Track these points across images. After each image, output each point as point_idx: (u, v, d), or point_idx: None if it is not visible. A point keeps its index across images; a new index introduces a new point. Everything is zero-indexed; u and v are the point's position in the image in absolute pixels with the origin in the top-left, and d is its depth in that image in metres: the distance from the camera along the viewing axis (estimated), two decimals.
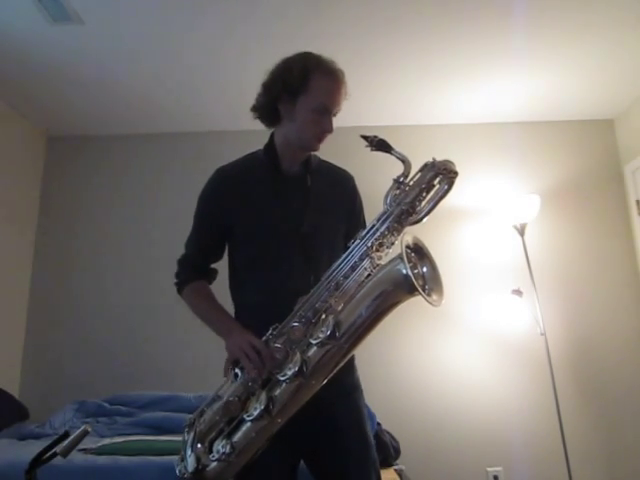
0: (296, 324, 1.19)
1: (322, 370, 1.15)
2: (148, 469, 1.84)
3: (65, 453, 1.24)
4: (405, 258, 1.10)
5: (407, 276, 1.10)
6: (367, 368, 2.89)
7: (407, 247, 1.17)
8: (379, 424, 2.57)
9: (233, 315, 1.39)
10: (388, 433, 2.60)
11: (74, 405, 2.68)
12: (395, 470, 2.40)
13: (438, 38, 2.63)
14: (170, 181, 3.40)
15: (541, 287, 3.01)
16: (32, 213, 3.40)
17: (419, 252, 1.22)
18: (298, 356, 1.14)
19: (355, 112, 3.15)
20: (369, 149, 1.30)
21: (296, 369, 1.13)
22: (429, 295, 1.15)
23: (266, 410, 1.13)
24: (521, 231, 3.06)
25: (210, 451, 1.19)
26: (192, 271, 1.45)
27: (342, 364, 1.18)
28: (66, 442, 1.24)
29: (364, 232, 1.24)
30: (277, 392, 1.15)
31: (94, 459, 1.90)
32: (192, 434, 1.23)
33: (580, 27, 2.57)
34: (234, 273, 1.42)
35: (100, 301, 3.26)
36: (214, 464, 1.17)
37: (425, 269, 1.21)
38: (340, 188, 1.47)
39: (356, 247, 1.23)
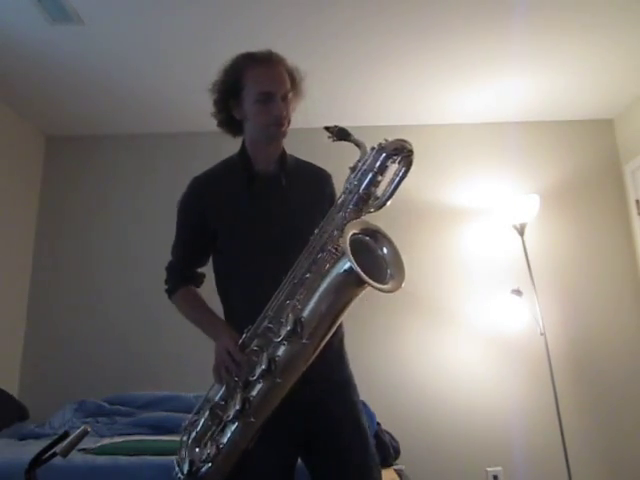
0: (269, 324, 1.20)
1: (291, 368, 1.16)
2: (148, 469, 1.84)
3: (65, 453, 1.24)
4: (349, 252, 1.07)
5: (353, 270, 1.08)
6: (367, 368, 2.91)
7: (360, 233, 1.15)
8: (379, 424, 2.57)
9: (222, 317, 1.41)
10: (388, 433, 2.59)
11: (74, 405, 2.68)
12: (395, 470, 2.40)
13: (438, 38, 2.63)
14: (170, 181, 3.39)
15: (541, 287, 3.01)
16: (31, 213, 3.39)
17: (374, 236, 1.19)
18: (265, 356, 1.16)
19: (356, 112, 3.16)
20: (331, 140, 1.31)
21: (263, 368, 1.15)
22: (387, 283, 1.13)
23: (241, 411, 1.15)
24: (521, 231, 3.06)
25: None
26: (179, 277, 1.47)
27: (311, 361, 1.17)
28: (66, 442, 1.24)
29: (322, 223, 1.23)
30: (252, 393, 1.18)
31: (94, 459, 1.90)
32: (187, 439, 1.26)
33: (580, 27, 2.57)
34: (219, 278, 1.43)
35: (100, 301, 3.25)
36: (205, 466, 1.20)
37: (385, 250, 1.18)
38: (317, 187, 1.47)
39: (315, 239, 1.21)
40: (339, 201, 1.23)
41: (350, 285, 1.12)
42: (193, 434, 1.26)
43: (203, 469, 1.20)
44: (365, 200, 1.20)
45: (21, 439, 2.38)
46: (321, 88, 2.85)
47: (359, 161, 1.23)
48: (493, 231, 3.27)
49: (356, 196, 1.20)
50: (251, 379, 1.17)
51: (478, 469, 2.96)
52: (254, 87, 1.34)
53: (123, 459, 1.90)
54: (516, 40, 2.63)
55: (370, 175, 1.20)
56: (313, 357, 1.17)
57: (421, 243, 3.21)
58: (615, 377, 3.06)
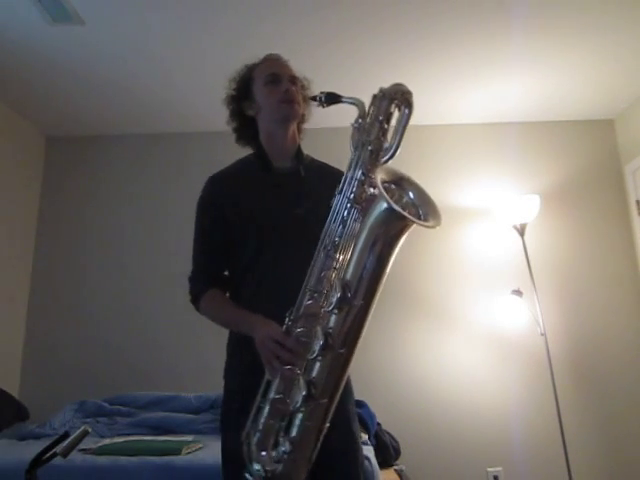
0: (309, 301, 1.14)
1: (348, 335, 1.10)
2: (148, 469, 1.85)
3: (65, 453, 1.24)
4: (384, 193, 1.04)
5: (392, 209, 1.03)
6: (367, 369, 2.91)
7: (384, 182, 1.10)
8: (379, 424, 2.57)
9: None
10: (388, 433, 2.60)
11: (74, 405, 2.69)
12: (395, 470, 2.41)
13: (438, 39, 2.63)
14: (170, 181, 3.40)
15: (541, 287, 3.01)
16: (31, 213, 3.40)
17: (399, 182, 1.14)
18: (319, 330, 1.09)
19: (357, 112, 3.15)
20: (321, 108, 1.31)
21: (322, 342, 1.08)
22: (426, 220, 1.09)
23: (309, 395, 1.08)
24: (521, 231, 3.05)
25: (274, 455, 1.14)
26: (203, 283, 1.41)
27: (367, 322, 1.12)
28: (66, 442, 1.24)
29: (341, 185, 1.19)
30: (314, 373, 1.10)
31: (94, 459, 1.91)
32: (251, 447, 1.16)
33: (580, 27, 2.57)
34: (235, 275, 1.41)
35: (100, 301, 3.25)
36: (279, 466, 1.11)
37: (412, 195, 1.13)
38: (333, 184, 1.46)
39: (339, 202, 1.18)
40: (353, 159, 1.19)
41: (392, 228, 1.07)
42: (254, 439, 1.15)
43: (278, 470, 1.11)
44: (378, 151, 1.18)
45: (21, 439, 2.38)
46: (322, 89, 2.85)
47: (361, 117, 1.21)
48: (493, 231, 3.26)
49: (370, 148, 1.17)
50: (310, 358, 1.10)
51: (478, 469, 2.96)
52: (262, 74, 1.41)
53: (123, 459, 1.90)
54: (516, 40, 2.63)
55: (377, 124, 1.18)
56: (368, 317, 1.11)
57: (421, 243, 3.21)
58: (616, 377, 3.06)
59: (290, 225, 1.30)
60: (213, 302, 1.39)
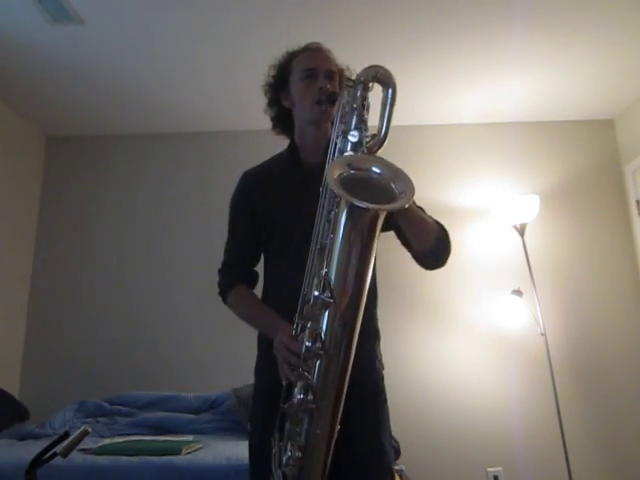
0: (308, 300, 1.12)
1: (339, 336, 1.06)
2: (148, 469, 1.85)
3: (65, 453, 1.24)
4: (340, 189, 0.99)
5: (354, 206, 0.98)
6: None
7: (341, 174, 1.04)
8: None
9: None
10: None
11: (74, 405, 2.69)
12: (395, 470, 2.41)
13: (438, 39, 2.63)
14: (170, 181, 3.40)
15: (541, 287, 3.00)
16: (32, 213, 3.40)
17: (357, 165, 1.07)
18: (308, 332, 1.09)
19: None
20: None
21: (309, 344, 1.07)
22: (401, 196, 1.02)
23: (304, 399, 1.07)
24: (521, 231, 3.05)
25: None
26: (232, 277, 1.42)
27: (357, 327, 1.09)
28: (66, 442, 1.24)
29: (324, 181, 1.13)
30: (314, 378, 1.08)
31: (94, 459, 1.91)
32: (275, 455, 1.17)
33: (580, 27, 2.57)
34: (265, 272, 1.42)
35: (100, 301, 3.25)
36: (293, 472, 1.11)
37: (379, 170, 1.06)
38: None
39: (323, 199, 1.14)
40: (332, 154, 1.15)
41: (360, 221, 1.01)
42: (281, 447, 1.15)
43: (292, 474, 1.11)
44: (359, 142, 1.12)
45: (21, 439, 2.39)
46: None
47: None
48: (493, 231, 3.26)
49: (348, 142, 1.12)
50: (305, 360, 1.08)
51: (478, 469, 2.96)
52: (299, 67, 1.38)
53: (123, 459, 1.90)
54: (516, 40, 2.63)
55: (355, 113, 1.12)
56: (357, 321, 1.07)
57: None
58: (616, 377, 3.06)
59: (309, 224, 1.22)
60: (241, 299, 1.40)
